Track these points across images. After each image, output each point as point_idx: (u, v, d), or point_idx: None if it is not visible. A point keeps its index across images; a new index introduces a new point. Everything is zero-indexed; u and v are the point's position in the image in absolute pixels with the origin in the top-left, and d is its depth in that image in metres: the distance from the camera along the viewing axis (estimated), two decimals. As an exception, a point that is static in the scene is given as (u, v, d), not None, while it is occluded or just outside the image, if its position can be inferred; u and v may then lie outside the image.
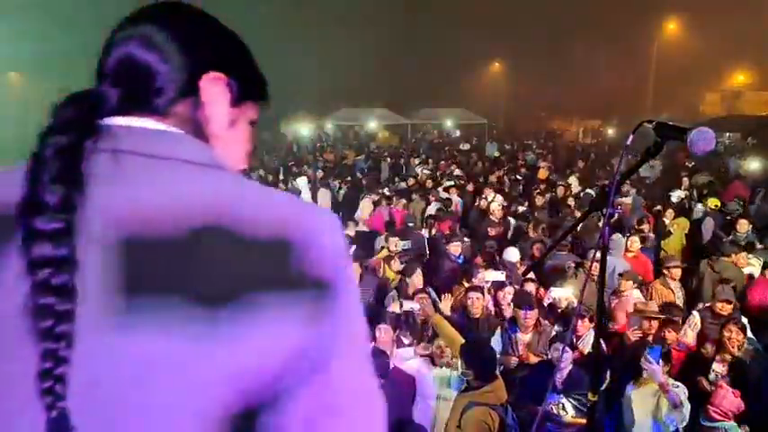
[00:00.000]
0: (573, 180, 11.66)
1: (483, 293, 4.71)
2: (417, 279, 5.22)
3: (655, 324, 4.39)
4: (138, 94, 0.70)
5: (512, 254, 6.12)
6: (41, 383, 0.55)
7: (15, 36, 23.68)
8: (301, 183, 10.58)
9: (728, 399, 3.50)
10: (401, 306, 4.28)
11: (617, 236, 6.63)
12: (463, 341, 3.67)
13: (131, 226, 0.60)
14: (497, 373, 3.43)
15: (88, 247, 0.59)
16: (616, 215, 7.33)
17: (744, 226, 7.18)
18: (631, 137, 1.32)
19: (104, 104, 0.69)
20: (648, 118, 1.32)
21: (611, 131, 25.32)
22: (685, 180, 10.89)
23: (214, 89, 0.73)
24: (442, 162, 14.92)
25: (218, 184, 0.66)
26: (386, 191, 10.50)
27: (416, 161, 15.84)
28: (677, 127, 1.16)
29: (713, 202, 8.63)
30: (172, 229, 0.60)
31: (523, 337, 4.26)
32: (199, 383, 0.58)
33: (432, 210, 8.88)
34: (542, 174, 13.24)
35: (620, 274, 5.30)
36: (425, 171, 13.51)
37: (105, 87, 0.70)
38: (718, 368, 4.04)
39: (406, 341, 4.15)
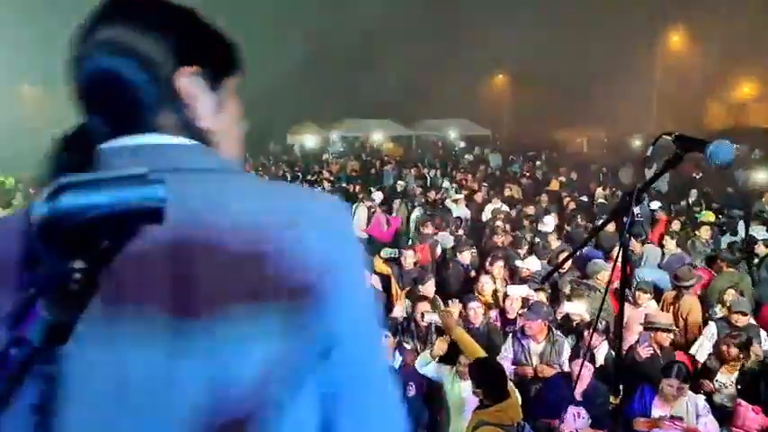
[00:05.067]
0: (599, 192, 11.72)
1: (482, 304, 4.74)
2: (430, 287, 5.26)
3: (669, 336, 4.39)
4: (124, 113, 0.69)
5: (532, 263, 6.12)
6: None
7: (28, 46, 23.61)
8: None
9: (750, 417, 3.49)
10: (423, 316, 4.33)
11: (649, 246, 6.67)
12: (484, 354, 3.70)
13: None
14: (510, 389, 3.43)
15: None
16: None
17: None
18: (651, 148, 1.38)
19: (96, 135, 0.68)
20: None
21: (616, 143, 25.32)
22: (694, 192, 10.92)
23: (191, 86, 0.71)
24: (460, 174, 15.04)
25: (212, 192, 0.66)
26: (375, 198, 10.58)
27: (436, 173, 15.93)
28: (696, 139, 1.22)
29: (708, 216, 8.70)
30: (151, 242, 0.59)
31: (536, 347, 4.27)
32: (178, 394, 0.59)
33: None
34: (554, 185, 13.30)
35: (636, 286, 5.30)
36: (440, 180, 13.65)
37: (90, 117, 0.70)
38: (722, 378, 4.04)
39: (407, 346, 4.22)
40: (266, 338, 0.61)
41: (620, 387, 1.65)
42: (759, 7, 22.67)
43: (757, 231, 7.61)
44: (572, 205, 10.18)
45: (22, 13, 24.59)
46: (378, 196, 10.40)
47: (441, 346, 3.91)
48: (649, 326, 4.45)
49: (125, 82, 0.67)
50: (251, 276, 0.61)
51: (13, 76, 25.36)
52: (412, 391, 3.89)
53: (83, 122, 0.71)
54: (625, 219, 1.42)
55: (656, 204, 9.78)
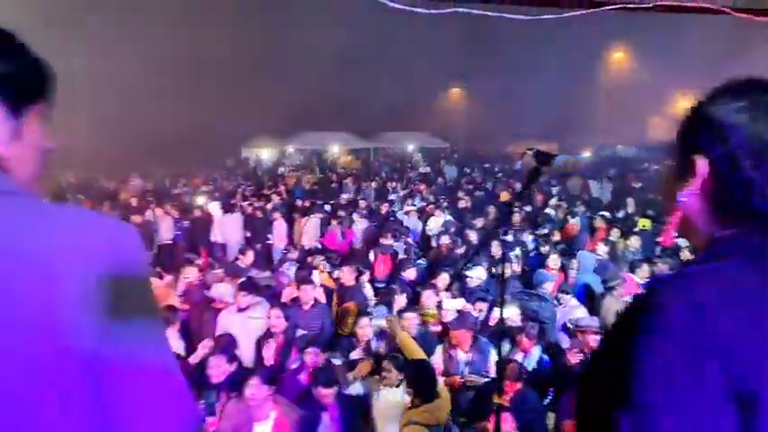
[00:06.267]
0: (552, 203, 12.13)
1: (418, 315, 4.79)
2: (402, 300, 5.32)
3: (595, 339, 4.57)
4: None
5: (478, 273, 6.23)
6: None
7: None
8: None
9: None
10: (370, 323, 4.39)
11: (583, 252, 7.09)
12: (423, 356, 3.80)
13: None
14: (441, 392, 3.51)
15: None
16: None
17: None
18: (519, 163, 1.48)
19: None
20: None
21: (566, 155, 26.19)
22: (630, 200, 11.43)
23: None
24: (414, 186, 15.22)
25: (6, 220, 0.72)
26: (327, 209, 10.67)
27: (396, 185, 16.04)
28: (548, 154, 1.32)
29: (643, 223, 9.19)
30: None
31: (463, 356, 4.36)
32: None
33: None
34: (504, 196, 13.64)
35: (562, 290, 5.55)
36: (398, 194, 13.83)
37: None
38: None
39: (337, 362, 4.21)
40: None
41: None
42: (698, 24, 24.07)
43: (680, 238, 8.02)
44: (517, 217, 10.45)
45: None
46: (328, 208, 10.45)
47: (365, 368, 3.99)
48: (577, 328, 4.63)
49: None
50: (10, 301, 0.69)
51: None
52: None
53: None
54: (502, 228, 1.50)
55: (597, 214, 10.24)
